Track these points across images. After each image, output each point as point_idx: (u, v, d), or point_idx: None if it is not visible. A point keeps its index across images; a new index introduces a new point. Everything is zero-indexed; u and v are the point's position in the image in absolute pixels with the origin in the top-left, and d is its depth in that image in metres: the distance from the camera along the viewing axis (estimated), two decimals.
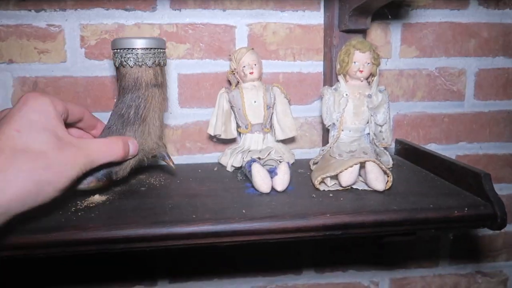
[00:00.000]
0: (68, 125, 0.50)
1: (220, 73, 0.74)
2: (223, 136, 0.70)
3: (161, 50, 0.59)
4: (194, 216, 0.49)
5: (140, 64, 0.56)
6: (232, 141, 0.73)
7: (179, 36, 0.72)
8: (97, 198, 0.55)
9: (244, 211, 0.50)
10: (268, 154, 0.65)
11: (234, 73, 0.70)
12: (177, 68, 0.73)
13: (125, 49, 0.56)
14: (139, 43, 0.56)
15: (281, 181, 0.57)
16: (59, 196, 0.43)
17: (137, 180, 0.64)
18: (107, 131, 0.57)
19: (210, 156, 0.76)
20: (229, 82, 0.72)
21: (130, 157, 0.54)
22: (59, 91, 0.71)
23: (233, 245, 0.52)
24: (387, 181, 0.54)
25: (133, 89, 0.57)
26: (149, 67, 0.57)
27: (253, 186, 0.58)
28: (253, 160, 0.59)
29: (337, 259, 0.85)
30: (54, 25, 0.69)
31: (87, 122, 0.55)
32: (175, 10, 0.71)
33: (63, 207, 0.52)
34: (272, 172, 0.58)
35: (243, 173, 0.64)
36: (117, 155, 0.51)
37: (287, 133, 0.70)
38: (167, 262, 0.80)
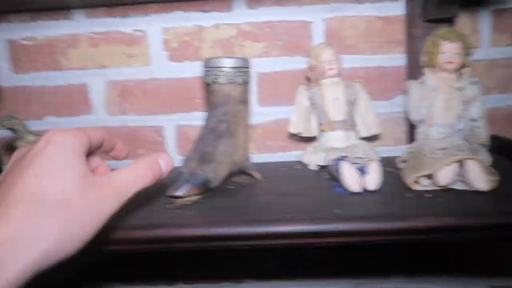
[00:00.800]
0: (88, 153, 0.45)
1: (298, 70, 0.73)
2: (304, 134, 0.70)
3: (248, 69, 0.62)
4: (289, 215, 0.50)
5: (231, 81, 0.59)
6: (313, 139, 0.73)
7: (256, 35, 0.72)
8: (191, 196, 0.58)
9: (338, 210, 0.50)
10: (354, 152, 0.64)
11: (313, 70, 0.69)
12: (255, 66, 0.73)
13: (217, 67, 0.59)
14: (231, 63, 0.60)
15: (373, 180, 0.56)
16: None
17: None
18: (201, 143, 0.60)
19: (290, 154, 0.76)
20: (308, 79, 0.71)
21: (163, 176, 0.47)
22: (145, 93, 0.75)
23: (323, 246, 0.53)
24: (491, 180, 0.51)
25: (223, 105, 0.60)
26: (239, 84, 0.60)
27: (341, 185, 0.58)
28: (342, 158, 0.59)
29: (427, 263, 0.82)
30: (139, 30, 0.73)
31: (107, 145, 0.50)
32: (251, 9, 0.72)
33: (160, 205, 0.55)
34: (362, 171, 0.57)
35: (329, 172, 0.63)
36: (147, 181, 0.44)
37: (370, 130, 0.69)
38: (252, 260, 0.82)
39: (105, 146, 0.49)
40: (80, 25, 0.73)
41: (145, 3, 0.71)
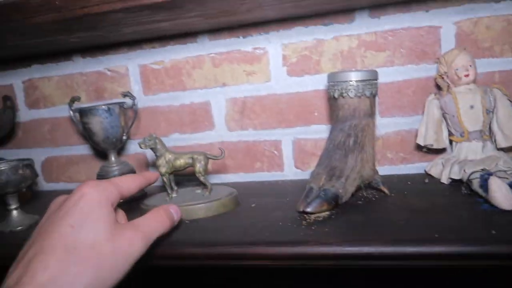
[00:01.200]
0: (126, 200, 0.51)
1: (424, 79, 0.69)
2: (435, 146, 0.66)
3: (376, 81, 0.60)
4: (436, 235, 0.46)
5: (359, 95, 0.58)
6: (440, 150, 0.68)
7: (378, 44, 0.70)
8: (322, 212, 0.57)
9: (493, 231, 0.45)
10: (496, 165, 0.58)
11: (443, 77, 0.65)
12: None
13: (345, 81, 0.58)
14: (360, 76, 0.58)
15: None
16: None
17: None
18: (328, 158, 0.60)
19: (414, 167, 0.72)
20: (437, 87, 0.67)
21: (176, 223, 0.53)
22: (264, 109, 0.77)
23: (472, 269, 0.48)
24: None
25: (351, 119, 0.60)
26: (367, 97, 0.59)
27: (487, 202, 0.53)
28: (489, 174, 0.53)
29: None
30: (259, 48, 0.75)
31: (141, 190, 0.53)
32: (374, 18, 0.69)
33: (293, 220, 0.55)
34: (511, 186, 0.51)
35: (468, 187, 0.58)
36: (166, 226, 0.49)
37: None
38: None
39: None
40: (203, 47, 0.77)
41: (266, 22, 0.73)
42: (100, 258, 0.39)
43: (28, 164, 0.66)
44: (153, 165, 0.84)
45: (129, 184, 0.49)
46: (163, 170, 0.64)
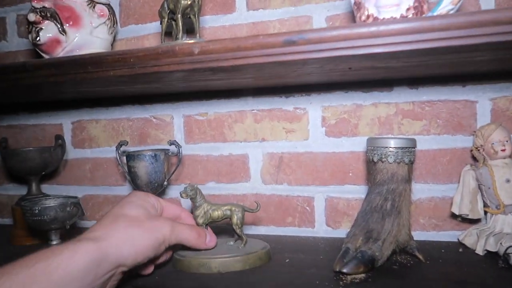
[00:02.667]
0: None
1: (459, 149, 0.72)
2: (470, 216, 0.67)
3: (414, 149, 0.63)
4: None
5: (398, 161, 0.61)
6: (474, 220, 0.69)
7: (415, 113, 0.74)
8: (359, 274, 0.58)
9: None
10: None
11: (479, 150, 0.67)
12: None
13: (385, 147, 0.61)
14: (400, 143, 0.62)
15: None
16: (151, 257, 0.54)
17: None
18: (365, 220, 0.62)
19: (446, 234, 0.73)
20: (473, 159, 0.69)
21: (207, 247, 0.63)
22: (300, 165, 0.80)
23: None
24: None
25: (389, 183, 0.62)
26: (405, 164, 0.62)
27: None
28: None
29: None
30: (300, 108, 0.80)
31: (184, 221, 0.64)
32: (412, 89, 0.74)
33: (329, 280, 0.56)
34: None
35: (506, 261, 0.59)
36: (195, 240, 0.60)
37: None
38: None
39: (183, 221, 0.64)
40: (247, 103, 0.82)
41: (308, 85, 0.78)
42: (139, 222, 0.53)
43: (76, 202, 0.69)
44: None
45: (169, 206, 0.63)
46: (200, 221, 0.65)
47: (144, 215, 0.55)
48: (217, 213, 0.65)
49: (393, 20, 0.51)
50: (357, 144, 0.77)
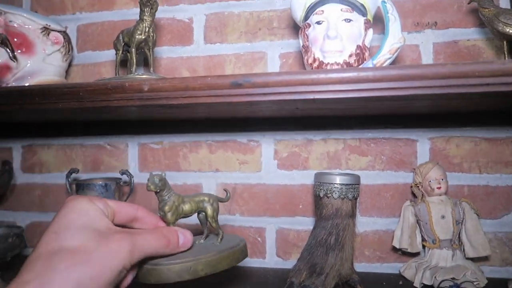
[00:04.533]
0: (121, 225, 0.48)
1: (401, 184, 0.76)
2: (409, 250, 0.70)
3: (358, 185, 0.66)
4: None
5: (342, 197, 0.64)
6: (414, 254, 0.72)
7: (362, 149, 0.77)
8: None
9: None
10: (464, 275, 0.63)
11: (418, 187, 0.71)
12: None
13: (330, 183, 0.64)
14: (344, 179, 0.65)
15: None
16: None
17: None
18: (310, 254, 0.64)
19: (389, 266, 0.76)
20: (413, 195, 0.73)
21: (181, 249, 0.50)
22: (252, 196, 0.81)
23: None
24: None
25: (334, 218, 0.65)
26: (349, 199, 0.65)
27: None
28: (457, 285, 0.58)
29: None
30: (253, 140, 0.82)
31: (145, 222, 0.51)
32: (359, 126, 0.77)
33: None
34: None
35: None
36: (163, 247, 0.48)
37: (479, 251, 0.67)
38: None
39: (142, 222, 0.51)
40: (202, 134, 0.84)
41: (262, 119, 0.80)
42: (86, 257, 0.39)
43: (19, 233, 0.67)
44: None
45: (121, 207, 0.49)
46: (172, 218, 0.53)
47: (90, 240, 0.41)
48: (189, 206, 0.55)
49: (332, 70, 0.55)
50: (307, 178, 0.79)
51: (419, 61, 0.75)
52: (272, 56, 0.81)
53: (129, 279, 0.47)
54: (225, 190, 0.62)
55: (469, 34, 0.74)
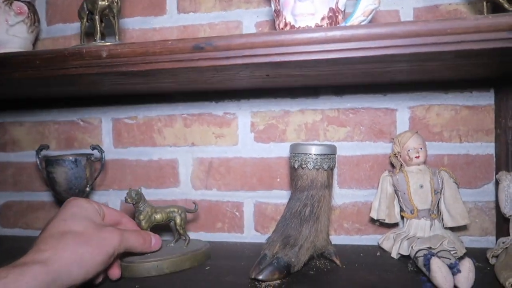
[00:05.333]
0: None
1: (380, 155, 0.74)
2: (387, 221, 0.69)
3: (334, 155, 0.64)
4: None
5: (317, 167, 0.62)
6: (393, 225, 0.71)
7: (340, 120, 0.75)
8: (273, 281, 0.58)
9: None
10: (441, 245, 0.61)
11: (397, 156, 0.70)
12: (337, 150, 0.75)
13: (305, 154, 0.62)
14: (319, 150, 0.62)
15: (466, 279, 0.52)
16: (102, 271, 0.53)
17: None
18: (284, 226, 0.62)
19: (368, 238, 0.75)
20: (391, 165, 0.71)
21: (153, 249, 0.63)
22: (229, 170, 0.79)
23: None
24: None
25: (309, 189, 0.63)
26: (325, 170, 0.62)
27: (429, 281, 0.55)
28: (431, 254, 0.56)
29: None
30: (229, 113, 0.79)
31: (126, 227, 0.63)
32: (337, 96, 0.75)
33: (244, 287, 0.56)
34: (453, 268, 0.54)
35: (415, 264, 0.61)
36: (141, 246, 0.60)
37: (458, 220, 0.66)
38: None
39: (125, 226, 0.63)
40: (176, 108, 0.81)
41: (238, 90, 0.77)
42: (87, 238, 0.51)
43: None
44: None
45: (111, 211, 0.61)
46: (145, 225, 0.65)
47: (91, 228, 0.53)
48: (160, 216, 0.67)
49: (298, 30, 0.52)
50: (284, 150, 0.77)
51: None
52: (248, 25, 0.78)
53: (101, 278, 0.57)
54: (194, 203, 0.72)
55: None
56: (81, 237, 0.51)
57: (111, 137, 0.84)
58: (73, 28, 0.85)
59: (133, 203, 0.65)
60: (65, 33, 0.85)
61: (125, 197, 0.64)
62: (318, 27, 0.54)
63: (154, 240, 0.64)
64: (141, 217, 0.65)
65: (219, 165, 0.80)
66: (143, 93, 0.81)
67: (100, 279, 0.57)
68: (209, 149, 0.80)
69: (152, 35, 0.82)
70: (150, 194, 0.82)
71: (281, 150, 0.77)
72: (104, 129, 0.85)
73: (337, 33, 0.46)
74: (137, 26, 0.82)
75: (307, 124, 0.76)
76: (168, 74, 0.55)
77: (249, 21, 0.78)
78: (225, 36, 0.49)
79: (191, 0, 0.80)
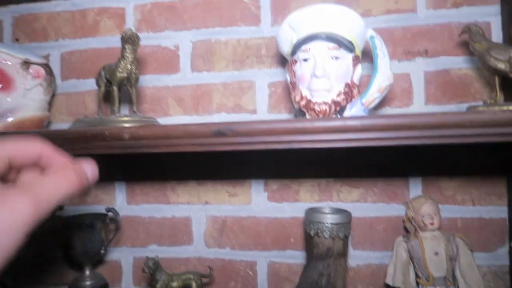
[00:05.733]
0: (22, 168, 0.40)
1: (393, 217, 0.74)
2: (402, 287, 0.69)
3: (349, 223, 0.65)
4: None
5: (333, 236, 0.62)
6: None
7: (353, 181, 0.76)
8: None
9: None
10: None
11: (411, 221, 0.70)
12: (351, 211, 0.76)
13: (321, 222, 0.62)
14: (335, 219, 0.63)
15: None
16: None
17: None
18: None
19: None
20: (405, 229, 0.71)
21: (90, 184, 0.42)
22: (243, 229, 0.80)
23: None
24: None
25: (325, 258, 0.63)
26: (341, 239, 0.62)
27: None
28: None
29: None
30: (243, 172, 0.80)
31: (51, 163, 0.41)
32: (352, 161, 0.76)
33: None
34: None
35: None
36: (73, 187, 0.39)
37: None
38: None
39: (47, 161, 0.41)
40: (190, 167, 0.82)
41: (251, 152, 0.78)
42: None
43: None
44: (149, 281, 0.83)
45: (22, 146, 0.39)
46: None
47: None
48: (176, 284, 0.69)
49: (318, 119, 0.54)
50: (298, 210, 0.77)
51: (410, 91, 0.74)
52: (261, 85, 0.79)
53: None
54: (209, 267, 0.73)
55: (461, 63, 0.72)
56: None
57: (124, 194, 0.85)
58: (87, 84, 0.86)
59: (150, 273, 0.66)
60: (79, 89, 0.87)
61: (143, 268, 0.66)
62: (338, 118, 0.55)
63: (89, 170, 0.42)
64: (158, 286, 0.68)
65: (232, 224, 0.80)
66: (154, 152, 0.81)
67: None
68: (223, 208, 0.80)
69: (165, 93, 0.83)
70: (163, 252, 0.82)
71: (295, 210, 0.78)
72: (117, 185, 0.85)
73: (357, 123, 0.47)
74: (151, 83, 0.83)
75: (321, 184, 0.77)
76: (187, 155, 0.56)
77: (262, 81, 0.79)
78: (246, 122, 0.50)
79: (204, 59, 0.82)
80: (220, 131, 0.50)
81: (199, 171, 0.81)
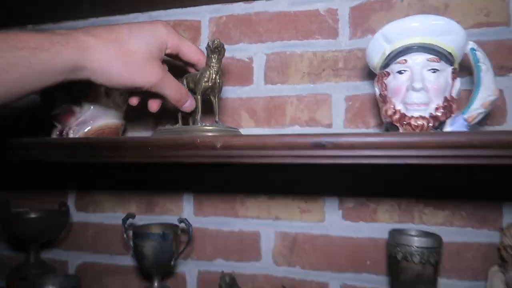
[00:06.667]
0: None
1: (484, 244, 0.68)
2: None
3: (440, 248, 0.60)
4: None
5: (424, 261, 0.58)
6: None
7: (437, 203, 0.71)
8: None
9: None
10: None
11: (507, 250, 0.64)
12: None
13: (410, 245, 0.58)
14: (427, 242, 0.59)
15: None
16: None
17: None
18: None
19: None
20: (501, 258, 0.65)
21: (184, 109, 0.61)
22: (314, 247, 0.76)
23: None
24: None
25: (414, 284, 0.58)
26: (432, 265, 0.58)
27: None
28: None
29: None
30: (315, 186, 0.77)
31: (184, 55, 0.62)
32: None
33: None
34: None
35: None
36: (179, 103, 0.60)
37: None
38: None
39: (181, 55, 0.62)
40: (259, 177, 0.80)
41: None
42: (128, 60, 0.52)
43: (76, 286, 0.65)
44: None
45: (190, 50, 0.61)
46: None
47: (142, 54, 0.53)
48: None
49: (426, 133, 0.50)
50: (375, 231, 0.73)
51: (504, 108, 0.69)
52: (337, 98, 0.77)
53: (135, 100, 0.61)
54: (283, 286, 0.72)
55: None
56: (126, 56, 0.51)
57: (191, 205, 0.84)
58: None
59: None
60: None
61: (219, 283, 0.63)
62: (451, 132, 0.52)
63: (189, 102, 0.62)
64: None
65: (304, 241, 0.77)
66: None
67: (133, 101, 0.61)
68: (294, 224, 0.78)
69: (238, 105, 0.82)
70: (229, 267, 0.80)
71: (372, 231, 0.73)
72: (185, 196, 0.84)
73: (462, 138, 0.44)
74: (224, 95, 0.83)
75: (401, 204, 0.72)
76: (280, 167, 0.54)
77: (339, 94, 0.77)
78: (348, 134, 0.47)
79: (278, 72, 0.80)
80: (320, 143, 0.47)
81: (269, 184, 0.79)
